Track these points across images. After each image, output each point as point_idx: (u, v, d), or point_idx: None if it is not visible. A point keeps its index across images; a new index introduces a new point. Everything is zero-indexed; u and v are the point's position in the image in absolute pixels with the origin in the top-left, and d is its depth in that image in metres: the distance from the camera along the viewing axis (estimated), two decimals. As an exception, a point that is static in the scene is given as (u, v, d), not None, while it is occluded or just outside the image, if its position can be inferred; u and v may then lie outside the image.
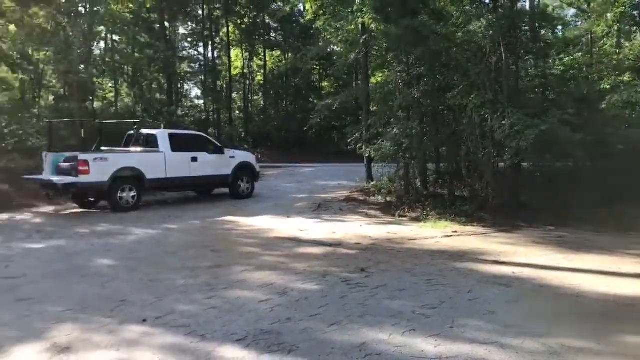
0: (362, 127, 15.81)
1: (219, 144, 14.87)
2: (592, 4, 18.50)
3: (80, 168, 11.78)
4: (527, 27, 12.94)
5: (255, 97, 38.71)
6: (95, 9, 25.59)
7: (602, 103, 12.44)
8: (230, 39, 34.30)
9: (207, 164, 13.95)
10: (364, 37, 15.77)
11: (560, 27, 20.71)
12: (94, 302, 5.53)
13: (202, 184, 14.56)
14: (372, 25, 15.32)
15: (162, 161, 13.05)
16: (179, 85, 34.84)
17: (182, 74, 34.45)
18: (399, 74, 13.87)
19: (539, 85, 13.03)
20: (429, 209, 11.75)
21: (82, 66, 24.57)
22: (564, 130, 9.96)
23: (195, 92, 38.00)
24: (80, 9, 24.99)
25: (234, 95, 36.39)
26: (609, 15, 15.33)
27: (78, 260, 7.64)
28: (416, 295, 5.77)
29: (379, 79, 17.90)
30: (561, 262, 7.30)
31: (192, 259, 7.60)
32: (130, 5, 27.36)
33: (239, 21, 34.53)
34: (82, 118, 18.52)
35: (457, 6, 13.27)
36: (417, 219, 11.26)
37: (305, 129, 23.90)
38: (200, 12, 33.21)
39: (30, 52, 25.08)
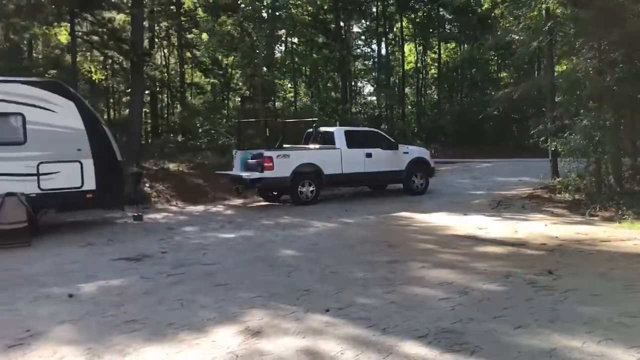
0: (546, 119, 14.77)
1: (392, 140, 14.93)
2: None
3: (266, 164, 12.65)
4: None
5: (429, 91, 38.23)
6: (277, 13, 27.26)
7: None
8: (404, 34, 34.26)
9: (381, 160, 14.07)
10: (548, 23, 14.67)
11: None
12: (280, 290, 5.86)
13: (376, 180, 14.72)
14: (558, 10, 14.28)
15: (338, 157, 13.48)
16: (353, 83, 35.66)
17: (356, 71, 35.21)
18: (588, 60, 12.67)
19: None
20: (624, 208, 10.52)
21: (265, 69, 26.38)
22: None
23: (368, 89, 38.68)
24: (263, 14, 26.80)
25: (407, 90, 36.35)
26: None
27: (265, 249, 8.19)
28: (612, 301, 5.21)
29: (565, 67, 16.54)
30: None
31: (369, 253, 7.71)
32: (309, 8, 28.66)
33: (412, 15, 34.34)
34: (265, 118, 19.82)
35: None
36: (610, 219, 10.15)
37: (481, 117, 22.91)
38: (374, 9, 33.65)
39: (219, 57, 27.60)
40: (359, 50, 36.36)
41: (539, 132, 14.13)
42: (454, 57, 36.14)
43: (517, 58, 25.77)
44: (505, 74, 35.13)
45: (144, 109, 21.49)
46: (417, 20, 34.53)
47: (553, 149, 14.13)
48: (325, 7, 29.84)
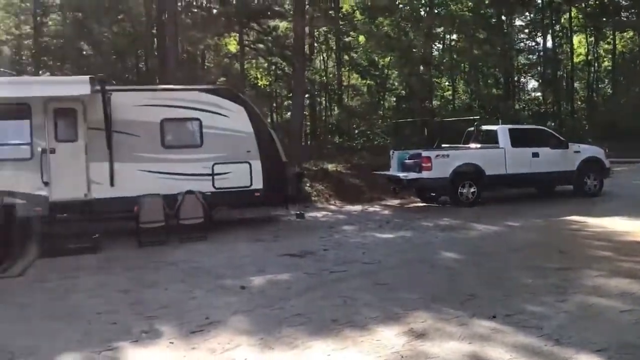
0: None
1: (562, 138, 13.87)
2: None
3: (424, 164, 12.44)
4: None
5: (601, 85, 34.95)
6: (436, 11, 26.80)
7: None
8: (573, 24, 31.80)
9: (549, 160, 13.15)
10: None
11: None
12: (443, 293, 5.72)
13: (544, 181, 13.76)
14: None
15: (502, 157, 12.84)
16: (516, 79, 33.89)
17: (519, 66, 33.44)
18: None
19: None
20: None
21: (422, 67, 26.08)
22: None
23: (532, 84, 36.45)
24: (421, 12, 26.51)
25: (576, 84, 33.67)
26: None
27: (425, 251, 8.07)
28: None
29: None
30: None
31: (537, 259, 7.26)
32: (469, 4, 27.79)
33: (582, 4, 31.63)
34: (422, 117, 19.57)
35: None
36: None
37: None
38: (539, 0, 31.60)
39: (376, 59, 27.85)
40: (522, 44, 34.42)
41: None
42: (631, 47, 32.76)
43: None
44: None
45: (304, 112, 22.42)
46: (588, 9, 31.73)
47: None
48: (487, 2, 28.69)
